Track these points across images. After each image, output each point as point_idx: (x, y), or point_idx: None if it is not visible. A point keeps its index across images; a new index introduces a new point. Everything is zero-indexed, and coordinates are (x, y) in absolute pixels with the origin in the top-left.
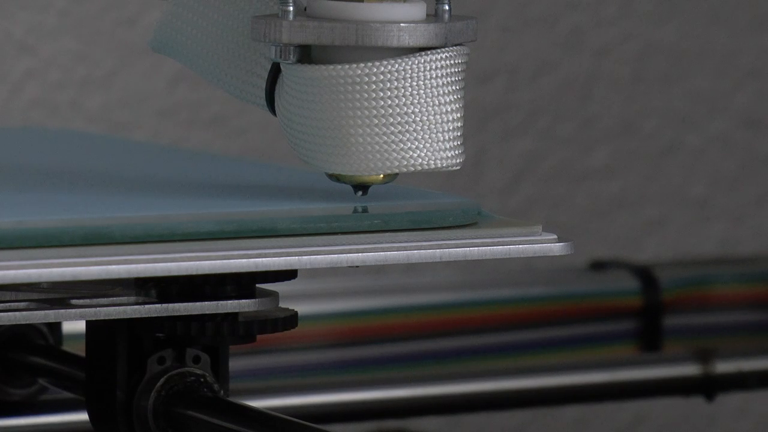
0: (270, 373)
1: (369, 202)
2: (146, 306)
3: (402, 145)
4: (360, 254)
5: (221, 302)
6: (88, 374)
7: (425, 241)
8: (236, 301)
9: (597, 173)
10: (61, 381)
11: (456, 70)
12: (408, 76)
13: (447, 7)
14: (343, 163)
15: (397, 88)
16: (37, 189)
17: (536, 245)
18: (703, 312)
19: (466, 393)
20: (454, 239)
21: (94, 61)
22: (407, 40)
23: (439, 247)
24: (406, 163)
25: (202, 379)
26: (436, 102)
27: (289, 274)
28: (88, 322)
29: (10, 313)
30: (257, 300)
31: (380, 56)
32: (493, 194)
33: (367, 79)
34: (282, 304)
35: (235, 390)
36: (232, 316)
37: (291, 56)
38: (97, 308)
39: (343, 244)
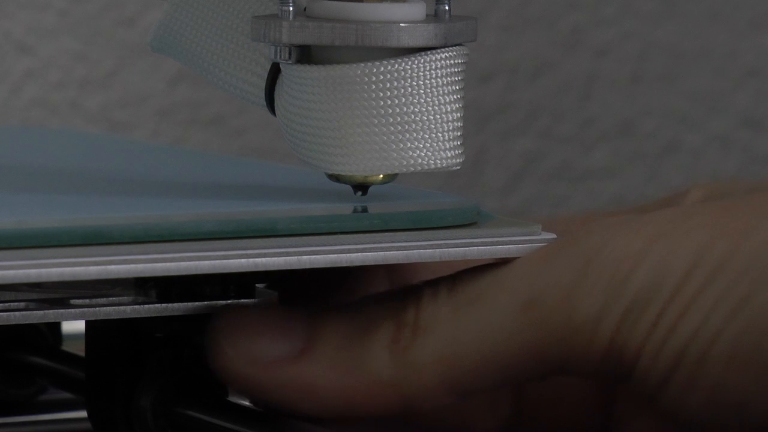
0: None
1: (369, 202)
2: (146, 306)
3: (402, 145)
4: (360, 254)
5: (221, 302)
6: (88, 374)
7: (425, 241)
8: (236, 301)
9: (597, 173)
10: (60, 381)
11: (456, 70)
12: (408, 76)
13: (447, 7)
14: (342, 163)
15: (396, 88)
16: (37, 189)
17: (536, 245)
18: None
19: None
20: (453, 239)
21: (93, 60)
22: (407, 40)
23: (439, 246)
24: (406, 163)
25: (201, 379)
26: (436, 102)
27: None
28: (87, 322)
29: (9, 313)
30: (257, 300)
31: (380, 56)
32: (493, 194)
33: (366, 79)
34: None
35: None
36: None
37: (291, 56)
38: (97, 308)
39: (343, 244)
